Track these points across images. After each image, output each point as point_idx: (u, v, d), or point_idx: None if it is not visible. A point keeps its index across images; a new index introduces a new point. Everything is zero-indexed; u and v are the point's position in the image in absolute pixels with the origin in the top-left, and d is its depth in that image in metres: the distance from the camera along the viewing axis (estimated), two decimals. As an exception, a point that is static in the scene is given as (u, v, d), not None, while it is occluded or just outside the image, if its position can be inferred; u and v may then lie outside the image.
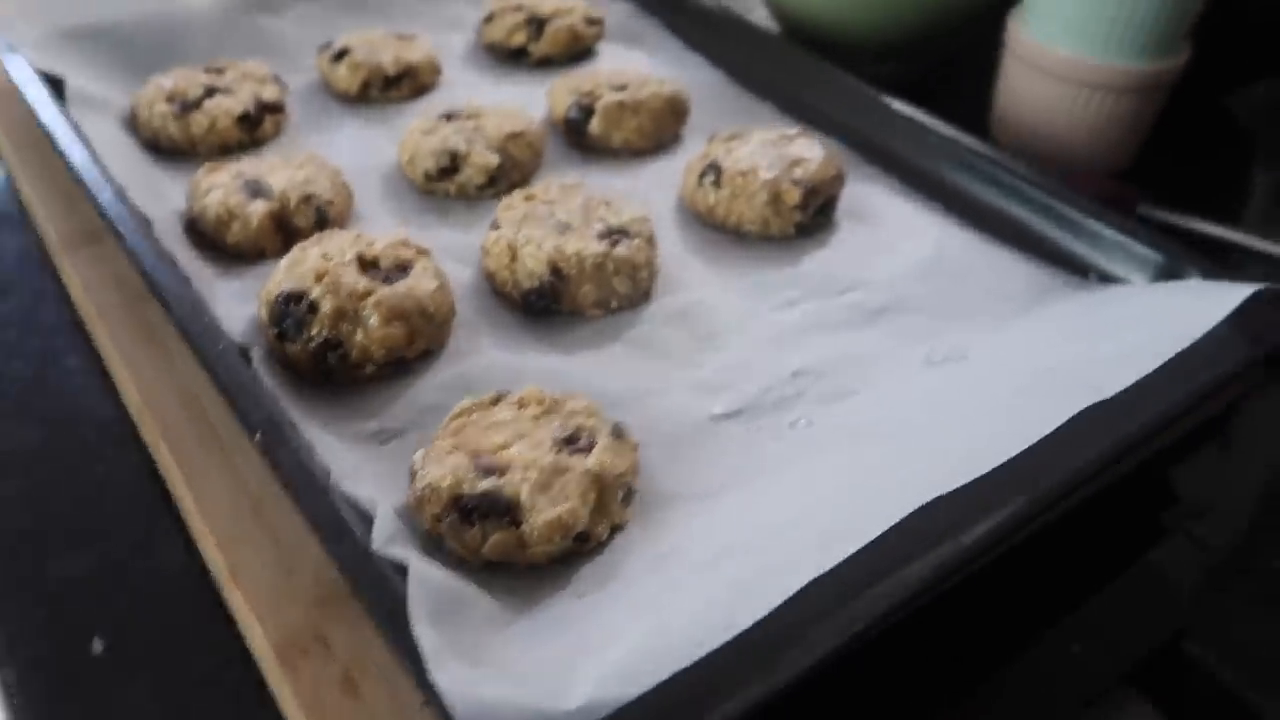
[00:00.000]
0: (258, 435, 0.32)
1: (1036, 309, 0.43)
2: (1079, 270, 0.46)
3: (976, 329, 0.43)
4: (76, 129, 0.46)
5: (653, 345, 0.42)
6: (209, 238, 0.44)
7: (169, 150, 0.51)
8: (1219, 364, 0.36)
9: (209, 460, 0.36)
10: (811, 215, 0.48)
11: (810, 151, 0.49)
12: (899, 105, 0.54)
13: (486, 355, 0.40)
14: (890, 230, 0.49)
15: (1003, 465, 0.31)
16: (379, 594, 0.28)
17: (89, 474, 0.38)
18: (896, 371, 0.40)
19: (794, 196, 0.47)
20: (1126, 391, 0.34)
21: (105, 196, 0.42)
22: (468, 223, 0.48)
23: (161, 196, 0.46)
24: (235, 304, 0.41)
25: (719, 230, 0.48)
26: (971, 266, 0.46)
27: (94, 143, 0.46)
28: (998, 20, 0.59)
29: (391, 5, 0.63)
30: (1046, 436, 0.32)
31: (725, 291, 0.45)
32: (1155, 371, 0.35)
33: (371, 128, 0.54)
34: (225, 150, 0.51)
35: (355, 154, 0.52)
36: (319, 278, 0.38)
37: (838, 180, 0.49)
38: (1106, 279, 0.45)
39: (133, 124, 0.51)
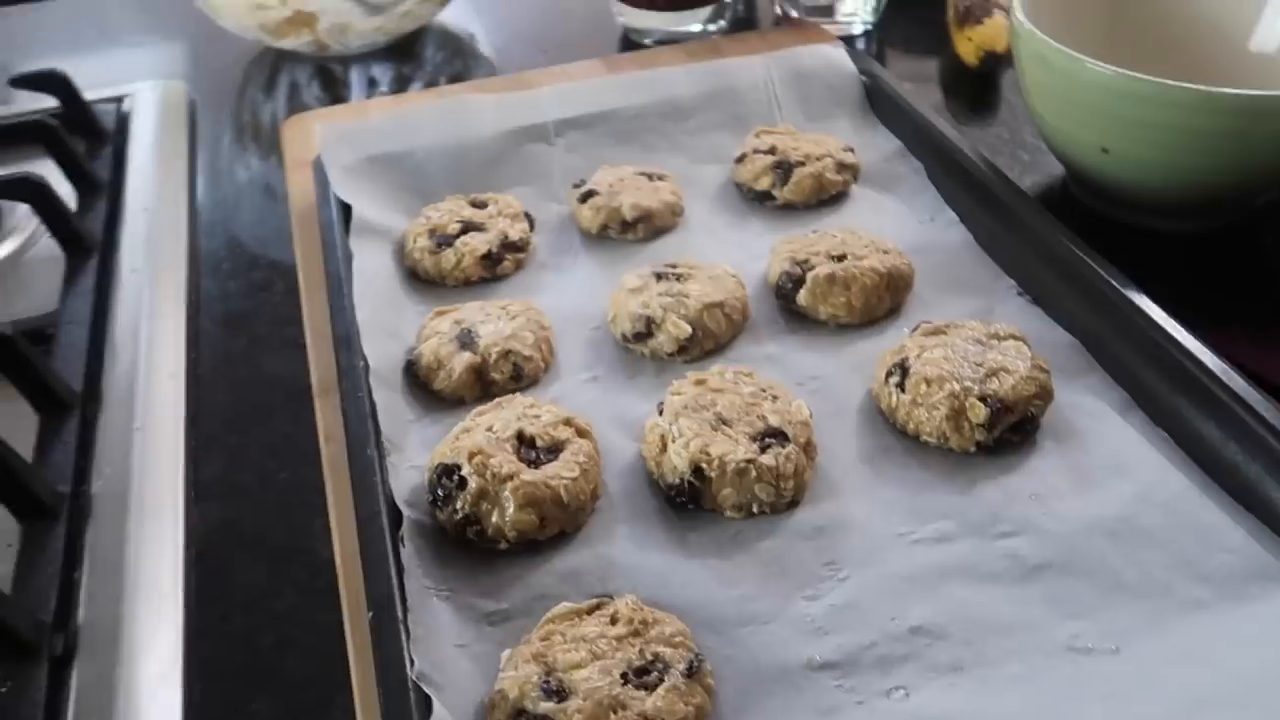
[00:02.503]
0: (370, 615, 0.37)
1: (1236, 604, 0.37)
2: (1313, 558, 0.39)
3: (1148, 616, 0.38)
4: (346, 263, 0.54)
5: (779, 562, 0.41)
6: (421, 380, 0.50)
7: (425, 280, 0.57)
8: None
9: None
10: (1001, 434, 0.44)
11: (1014, 361, 0.46)
12: (1144, 301, 0.48)
13: (615, 546, 0.42)
14: (1093, 461, 0.44)
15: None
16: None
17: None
18: (1029, 651, 0.37)
19: (979, 414, 0.44)
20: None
21: (342, 339, 0.49)
22: (653, 388, 0.50)
23: (397, 335, 0.53)
24: (425, 452, 0.46)
25: (899, 434, 0.46)
26: (1176, 526, 0.41)
27: (363, 273, 0.54)
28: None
29: (655, 134, 0.66)
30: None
31: (876, 510, 0.43)
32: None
33: (603, 270, 0.58)
34: (469, 283, 0.57)
35: (579, 296, 0.56)
36: (472, 456, 0.42)
37: (1039, 399, 0.45)
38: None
39: (400, 252, 0.59)
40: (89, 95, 0.75)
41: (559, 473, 0.42)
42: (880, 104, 0.67)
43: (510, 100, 0.65)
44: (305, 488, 0.48)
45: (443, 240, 0.57)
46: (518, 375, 0.50)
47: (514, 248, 0.58)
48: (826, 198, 0.61)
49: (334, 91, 0.82)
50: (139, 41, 0.95)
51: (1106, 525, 0.41)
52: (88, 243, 0.61)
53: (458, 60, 0.86)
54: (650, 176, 0.61)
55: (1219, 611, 0.37)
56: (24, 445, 0.48)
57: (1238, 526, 0.40)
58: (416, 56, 0.86)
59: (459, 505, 0.42)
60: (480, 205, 0.60)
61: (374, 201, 0.60)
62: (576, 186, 0.61)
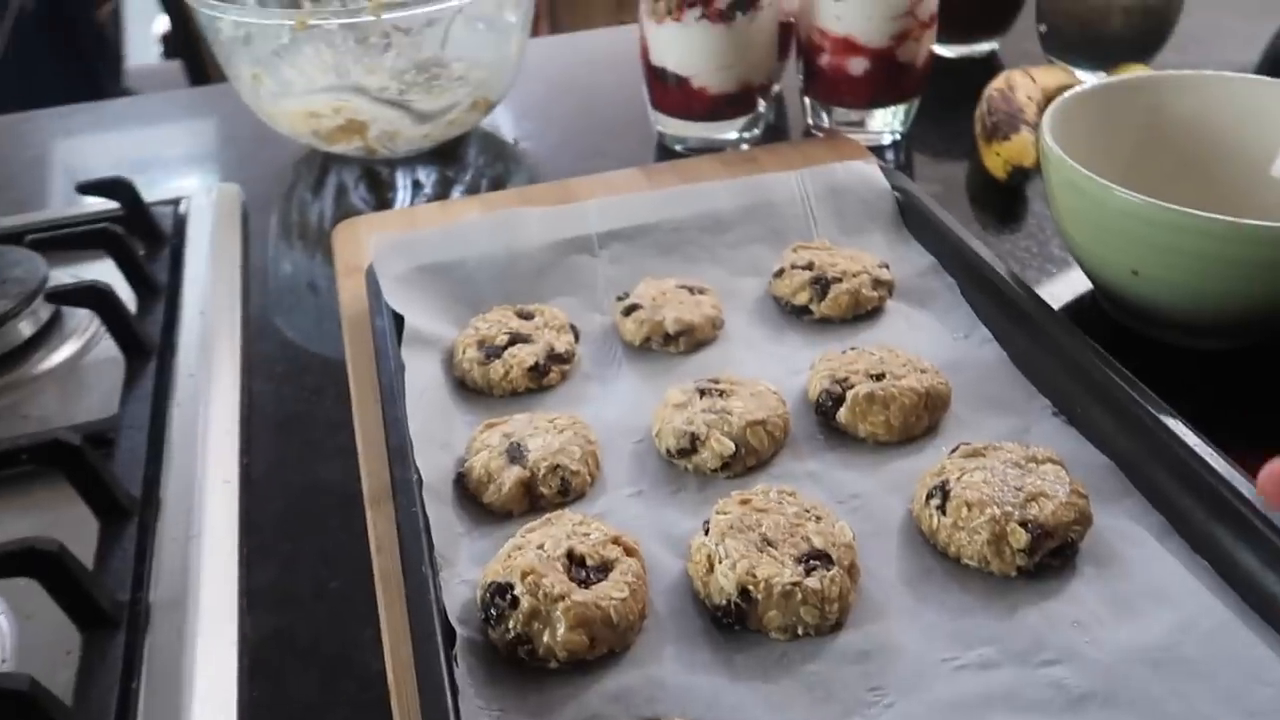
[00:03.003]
0: (426, 739, 0.38)
1: None
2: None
3: None
4: (398, 373, 0.56)
5: (823, 686, 0.42)
6: (470, 493, 0.52)
7: (473, 389, 0.59)
8: None
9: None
10: (1041, 559, 0.45)
11: (1054, 486, 0.47)
12: (1177, 425, 0.49)
13: (663, 668, 0.43)
14: (1134, 588, 0.45)
15: None
16: None
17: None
18: None
19: (1020, 539, 0.45)
20: None
21: (395, 451, 0.51)
22: (696, 503, 0.51)
23: (448, 446, 0.54)
24: (475, 567, 0.47)
25: (940, 556, 0.47)
26: (1218, 657, 0.41)
27: (415, 383, 0.56)
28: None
29: (696, 246, 0.68)
30: None
31: (919, 635, 0.44)
32: None
33: (646, 382, 0.59)
34: (515, 394, 0.58)
35: (622, 409, 0.57)
36: (524, 575, 0.43)
37: (1079, 524, 0.46)
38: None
39: (449, 361, 0.61)
40: (147, 197, 0.78)
41: (609, 593, 0.43)
42: (913, 219, 0.69)
43: (556, 213, 0.68)
44: (357, 598, 0.49)
45: (491, 352, 0.59)
46: (565, 490, 0.51)
47: (560, 359, 0.59)
48: (863, 313, 0.63)
49: (380, 194, 0.85)
50: (192, 144, 0.99)
51: (1149, 655, 0.42)
52: (147, 346, 0.64)
53: (499, 164, 0.90)
54: (691, 290, 0.63)
55: None
56: (85, 552, 0.50)
57: (1279, 659, 0.41)
58: (460, 160, 0.89)
59: (511, 624, 0.43)
60: (527, 316, 0.62)
61: (424, 311, 0.62)
62: (620, 299, 0.63)
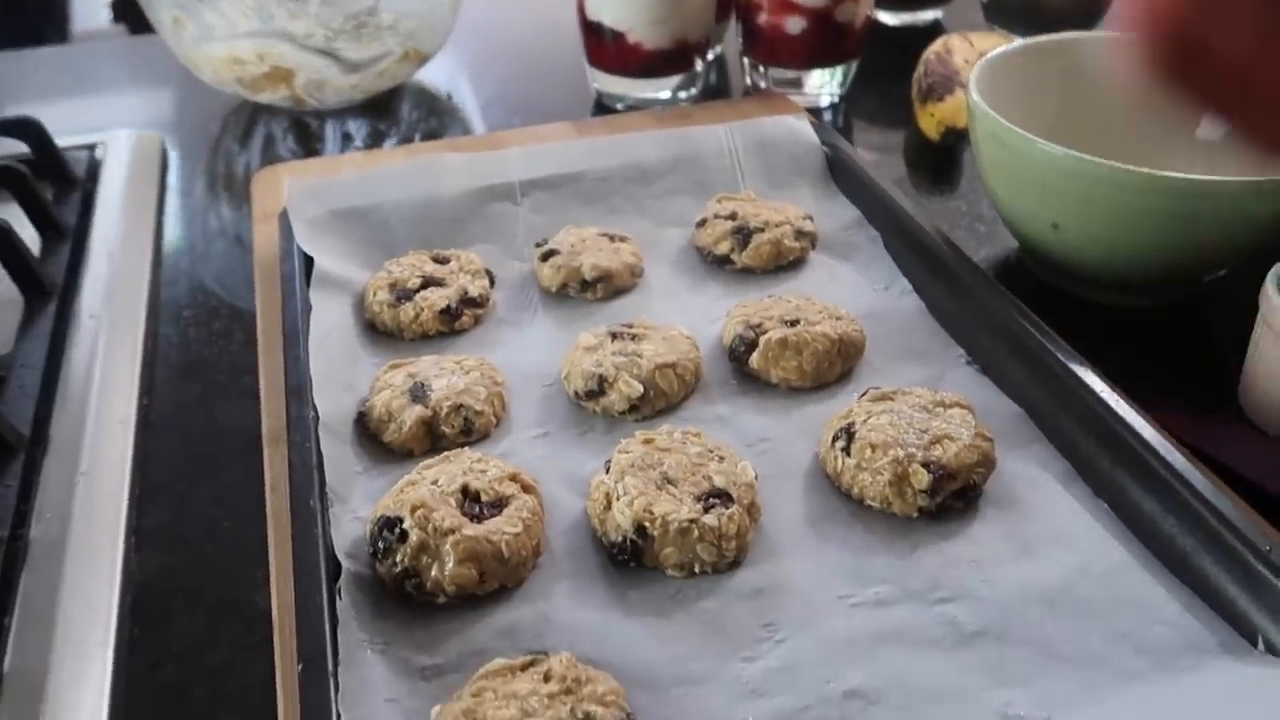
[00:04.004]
0: (299, 668, 0.36)
1: (1169, 676, 0.37)
2: (1247, 633, 0.39)
3: (1082, 685, 0.38)
4: (304, 315, 0.54)
5: (717, 622, 0.41)
6: (371, 432, 0.50)
7: (383, 332, 0.58)
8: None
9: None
10: (944, 500, 0.45)
11: (959, 430, 0.46)
12: (1088, 374, 0.48)
13: (554, 603, 0.42)
14: (1035, 531, 0.44)
15: None
16: None
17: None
18: (962, 718, 0.37)
19: (922, 480, 0.44)
20: None
21: (294, 390, 0.49)
22: (602, 445, 0.50)
23: (351, 387, 0.53)
24: (369, 504, 0.46)
25: (844, 498, 0.47)
26: (1113, 598, 0.41)
27: (321, 325, 0.54)
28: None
29: (620, 197, 0.67)
30: None
31: (817, 573, 0.43)
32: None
33: (561, 328, 0.58)
34: (426, 337, 0.57)
35: (535, 353, 0.56)
36: (414, 509, 0.42)
37: (981, 467, 0.45)
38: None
39: (360, 305, 0.59)
40: (64, 142, 0.76)
41: (501, 528, 0.42)
42: (841, 174, 0.68)
43: (478, 160, 0.66)
44: (249, 538, 0.47)
45: (403, 294, 0.57)
46: (468, 430, 0.50)
47: (473, 303, 0.58)
48: (784, 264, 0.62)
49: (309, 145, 0.83)
50: (119, 92, 0.96)
51: (1045, 594, 0.41)
52: (47, 287, 0.61)
53: (433, 118, 0.88)
54: (612, 238, 0.62)
55: (1152, 682, 0.37)
56: (-36, 488, 0.48)
57: (1173, 599, 0.40)
58: (393, 114, 0.88)
59: (399, 558, 0.41)
60: (442, 261, 0.60)
61: (337, 255, 0.61)
62: (539, 245, 0.62)
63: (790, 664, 0.39)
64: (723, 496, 0.44)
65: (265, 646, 0.42)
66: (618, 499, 0.44)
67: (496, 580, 0.42)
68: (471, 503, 0.44)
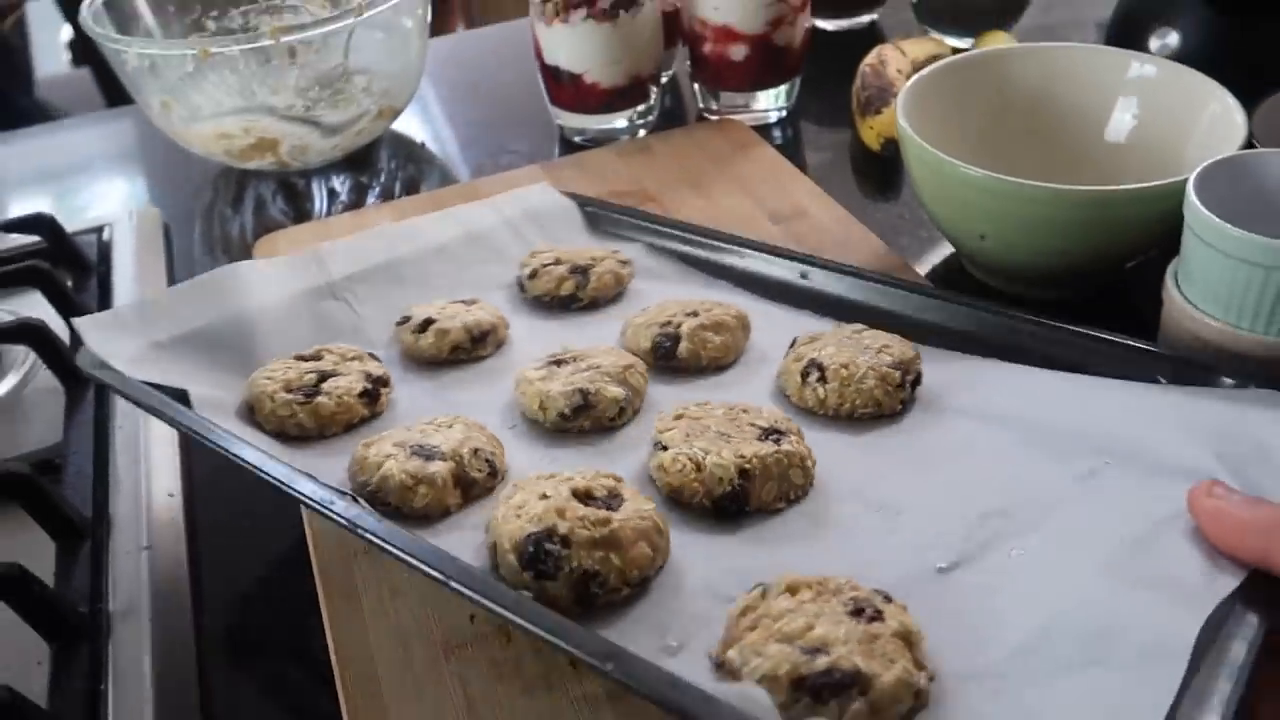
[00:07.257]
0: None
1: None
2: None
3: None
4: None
5: (842, 524, 0.48)
6: (393, 505, 0.49)
7: (295, 437, 0.55)
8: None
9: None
10: (910, 390, 0.55)
11: (885, 339, 0.57)
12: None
13: (716, 562, 0.46)
14: (979, 393, 0.55)
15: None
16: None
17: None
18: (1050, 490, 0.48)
19: (895, 377, 0.54)
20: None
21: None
22: (612, 450, 0.54)
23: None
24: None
25: (829, 420, 0.55)
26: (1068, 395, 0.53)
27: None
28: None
29: (431, 276, 0.68)
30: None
31: (866, 466, 0.51)
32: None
33: (470, 388, 0.60)
34: (350, 427, 0.56)
35: (472, 408, 0.57)
36: (560, 514, 0.43)
37: (918, 359, 0.56)
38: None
39: (251, 417, 0.56)
40: (70, 227, 0.81)
41: (642, 504, 0.45)
42: (602, 222, 0.73)
43: (288, 264, 0.66)
44: (298, 591, 0.53)
45: (308, 392, 0.55)
46: (493, 471, 0.51)
47: (382, 381, 0.58)
48: (620, 292, 0.67)
49: (297, 204, 0.89)
50: (109, 168, 1.01)
51: (1025, 408, 0.54)
52: (84, 374, 0.67)
53: (410, 166, 0.94)
54: (465, 303, 0.64)
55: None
56: (45, 570, 0.54)
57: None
58: (372, 165, 0.93)
59: (574, 564, 0.42)
60: (313, 358, 0.59)
61: (194, 381, 0.56)
62: (403, 324, 0.63)
63: (925, 522, 0.47)
64: (777, 431, 0.50)
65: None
66: (706, 456, 0.48)
67: (663, 556, 0.44)
68: (594, 501, 0.45)
